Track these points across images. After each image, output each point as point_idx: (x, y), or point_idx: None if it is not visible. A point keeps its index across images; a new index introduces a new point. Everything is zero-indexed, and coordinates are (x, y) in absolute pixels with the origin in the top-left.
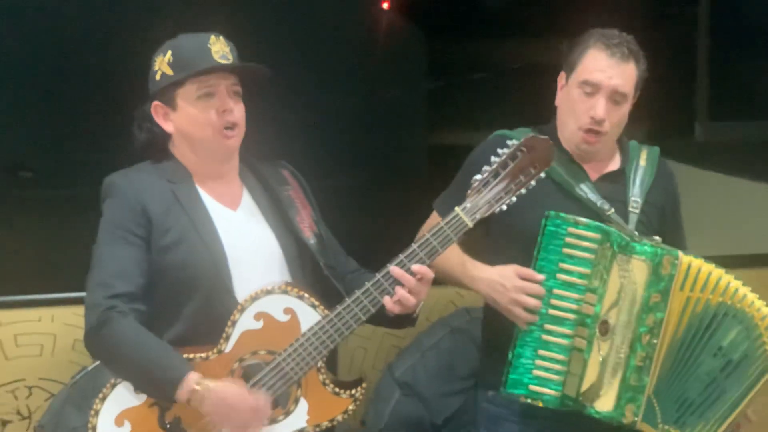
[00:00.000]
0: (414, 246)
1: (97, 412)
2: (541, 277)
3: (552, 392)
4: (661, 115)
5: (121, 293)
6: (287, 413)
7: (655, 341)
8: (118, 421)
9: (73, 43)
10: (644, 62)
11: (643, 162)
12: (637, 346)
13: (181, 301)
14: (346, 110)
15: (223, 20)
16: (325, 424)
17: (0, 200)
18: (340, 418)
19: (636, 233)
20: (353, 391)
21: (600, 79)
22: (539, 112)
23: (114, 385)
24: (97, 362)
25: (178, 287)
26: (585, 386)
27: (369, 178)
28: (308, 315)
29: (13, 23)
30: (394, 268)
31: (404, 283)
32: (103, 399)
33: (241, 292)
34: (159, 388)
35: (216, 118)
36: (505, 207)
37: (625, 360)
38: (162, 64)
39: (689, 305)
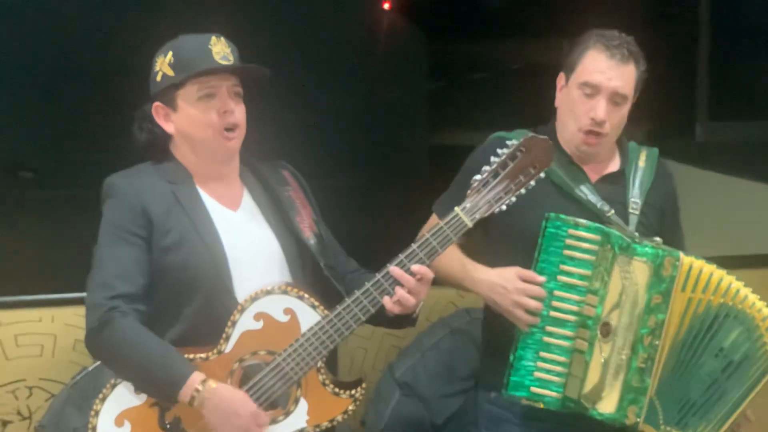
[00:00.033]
0: (414, 246)
1: (97, 413)
2: (542, 279)
3: (553, 394)
4: (661, 116)
5: (122, 294)
6: (287, 413)
7: (656, 342)
8: (118, 422)
9: (73, 43)
10: (644, 63)
11: (642, 163)
12: (639, 347)
13: (182, 302)
14: (346, 110)
15: (224, 20)
16: (325, 424)
17: (0, 200)
18: (340, 418)
19: (636, 234)
20: (353, 392)
21: (600, 81)
22: (539, 112)
23: (114, 386)
24: (98, 362)
25: (179, 288)
26: (587, 388)
27: (369, 178)
28: (308, 315)
29: (14, 23)
30: (393, 269)
31: (404, 283)
32: (103, 399)
33: (241, 293)
34: (161, 389)
35: (217, 119)
36: (504, 207)
37: (626, 361)
38: (163, 64)
39: (691, 306)
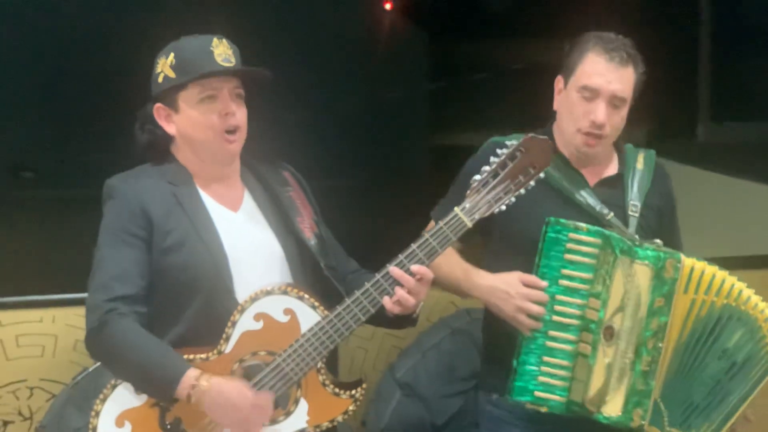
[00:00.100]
0: (413, 246)
1: (97, 413)
2: (544, 283)
3: (558, 398)
4: (662, 116)
5: (121, 296)
6: (287, 414)
7: (660, 345)
8: (119, 422)
9: (74, 43)
10: (642, 65)
11: (640, 165)
12: (643, 350)
13: (182, 303)
14: (347, 110)
15: (224, 20)
16: (326, 424)
17: (1, 200)
18: (340, 418)
19: (636, 237)
20: (353, 392)
21: (599, 84)
22: (540, 112)
23: (114, 386)
24: (98, 363)
25: (179, 288)
26: (591, 392)
27: (369, 179)
28: (308, 316)
29: (14, 23)
30: (393, 269)
31: (404, 283)
32: (104, 400)
33: (241, 293)
34: (159, 388)
35: (218, 121)
36: (504, 207)
37: (630, 365)
38: (164, 66)
39: (693, 308)
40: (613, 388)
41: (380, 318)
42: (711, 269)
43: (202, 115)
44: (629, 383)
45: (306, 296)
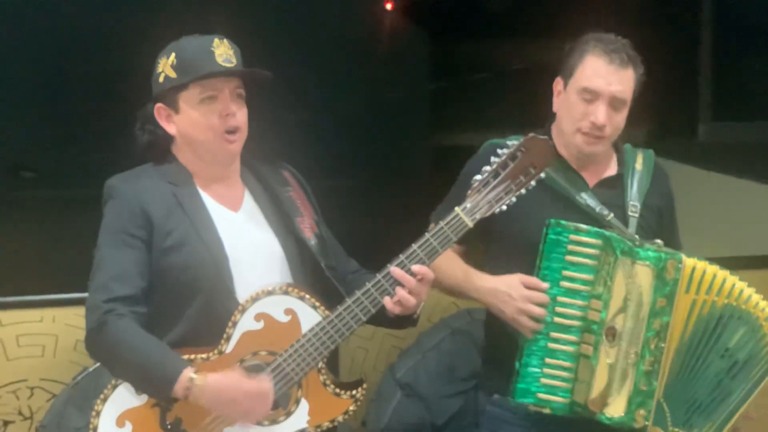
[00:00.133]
0: (414, 246)
1: (98, 413)
2: (545, 285)
3: (561, 399)
4: (664, 116)
5: (120, 296)
6: (288, 414)
7: (662, 345)
8: (120, 422)
9: (74, 43)
10: (641, 66)
11: (639, 166)
12: (645, 351)
13: (183, 303)
14: (347, 110)
15: (225, 20)
16: (326, 424)
17: (1, 200)
18: (340, 418)
19: (637, 237)
20: (354, 392)
21: (600, 86)
22: (540, 112)
23: (115, 386)
24: (98, 363)
25: (180, 289)
26: (594, 393)
27: (370, 179)
28: (309, 316)
29: (15, 24)
30: (394, 269)
31: (405, 283)
32: (105, 400)
33: (242, 293)
34: (156, 387)
35: (218, 122)
36: (505, 207)
37: (633, 365)
38: (165, 66)
39: (695, 308)
40: (616, 388)
41: (381, 318)
42: (712, 269)
43: (203, 116)
44: (632, 384)
45: (307, 296)
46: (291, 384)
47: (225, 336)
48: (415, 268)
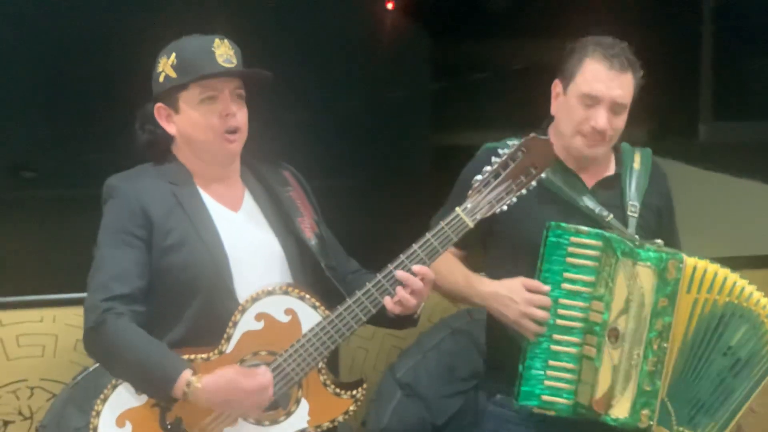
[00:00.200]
0: (414, 246)
1: (98, 413)
2: (547, 288)
3: (564, 401)
4: (664, 115)
5: (119, 295)
6: (288, 414)
7: (665, 345)
8: (119, 422)
9: (74, 43)
10: (640, 70)
11: (637, 165)
12: (648, 351)
13: (183, 303)
14: (348, 110)
15: (225, 20)
16: (326, 424)
17: (2, 200)
18: (340, 418)
19: (637, 238)
20: (354, 392)
21: (601, 92)
22: (541, 112)
23: (115, 386)
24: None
25: (180, 288)
26: (598, 394)
27: (370, 179)
28: (309, 316)
29: (15, 23)
30: (398, 271)
31: (408, 284)
32: (104, 400)
33: (242, 293)
34: (155, 387)
35: (218, 122)
36: (506, 207)
37: (636, 366)
38: (166, 66)
39: (697, 307)
40: (620, 389)
41: (381, 318)
42: (713, 268)
43: (203, 116)
44: (636, 384)
45: (307, 296)
46: (291, 384)
47: (225, 336)
48: (416, 268)
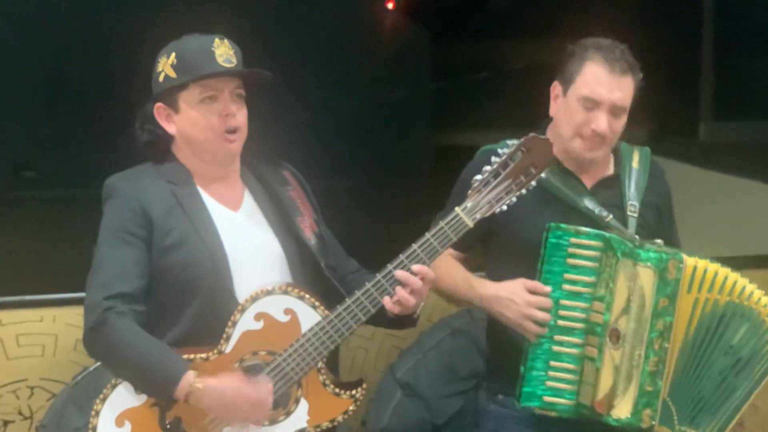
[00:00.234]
0: (414, 246)
1: (97, 413)
2: (548, 289)
3: (566, 402)
4: (665, 115)
5: (120, 294)
6: (288, 414)
7: (666, 345)
8: (119, 422)
9: (74, 43)
10: (640, 72)
11: (635, 164)
12: (649, 351)
13: (182, 302)
14: (348, 110)
15: (225, 19)
16: (326, 424)
17: (2, 200)
18: (340, 418)
19: (637, 237)
20: (353, 392)
21: (602, 95)
22: (542, 112)
23: (114, 386)
24: (99, 362)
25: (179, 288)
26: (600, 394)
27: (371, 179)
28: (309, 315)
29: (15, 23)
30: (398, 271)
31: (408, 284)
32: (104, 399)
33: (241, 293)
34: (157, 387)
35: (218, 122)
36: (505, 207)
37: (638, 366)
38: (165, 66)
39: (698, 306)
40: (622, 390)
41: (381, 318)
42: (713, 267)
43: (202, 116)
44: (637, 384)
45: (306, 296)
46: (290, 384)
47: (224, 336)
48: (416, 267)
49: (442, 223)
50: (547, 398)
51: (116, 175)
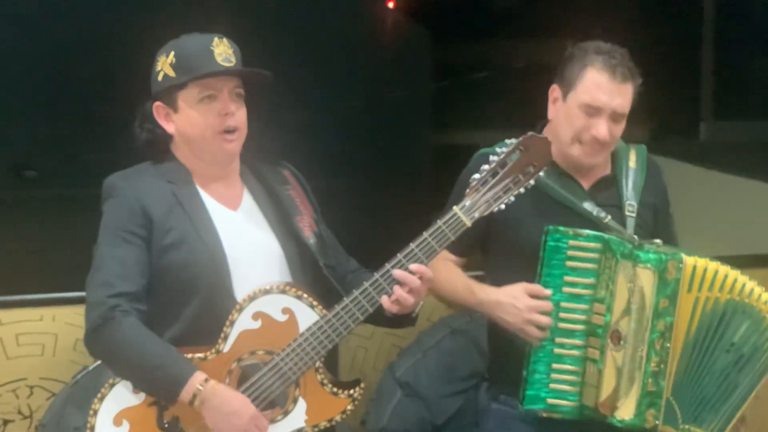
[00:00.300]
0: (412, 245)
1: (95, 412)
2: (548, 291)
3: (570, 403)
4: (665, 115)
5: (123, 293)
6: (285, 413)
7: (668, 345)
8: (117, 421)
9: (75, 43)
10: (639, 77)
11: (632, 164)
12: (651, 352)
13: (181, 302)
14: (349, 110)
15: (225, 19)
16: (324, 424)
17: (2, 200)
18: (338, 418)
19: (636, 238)
20: (351, 392)
21: (603, 102)
22: (542, 112)
23: (112, 385)
24: (99, 362)
25: (178, 287)
26: (603, 396)
27: (371, 178)
28: (306, 315)
29: (15, 23)
30: (396, 270)
31: (407, 283)
32: (102, 399)
33: (240, 293)
34: (162, 388)
35: (216, 121)
36: (503, 206)
37: (640, 367)
38: (164, 65)
39: (698, 306)
40: (625, 391)
41: (379, 317)
42: (713, 266)
43: (201, 115)
44: (640, 385)
45: (304, 295)
46: (288, 383)
47: (222, 335)
48: (414, 267)
49: (439, 222)
50: (550, 400)
51: (115, 174)
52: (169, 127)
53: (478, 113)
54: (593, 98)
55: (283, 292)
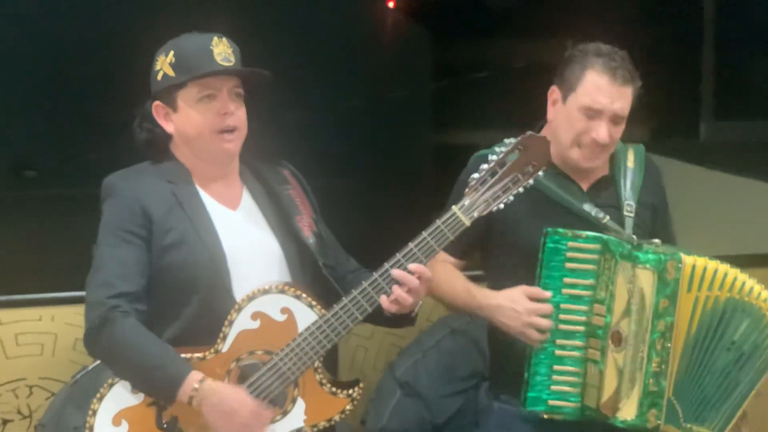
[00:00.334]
0: (411, 245)
1: (94, 412)
2: (548, 294)
3: (571, 404)
4: (666, 115)
5: (123, 293)
6: (284, 413)
7: (668, 345)
8: (116, 421)
9: (75, 43)
10: (639, 80)
11: (631, 163)
12: (652, 352)
13: (180, 301)
14: (349, 109)
15: (225, 19)
16: (323, 424)
17: (2, 200)
18: (337, 418)
19: (635, 238)
20: (350, 391)
21: (604, 105)
22: (542, 112)
23: (111, 385)
24: (98, 362)
25: (178, 287)
26: (605, 396)
27: (372, 178)
28: (305, 314)
29: (15, 23)
30: (395, 270)
31: (406, 283)
32: (101, 399)
33: (240, 292)
34: (160, 388)
35: (216, 121)
36: (502, 205)
37: (641, 367)
38: (164, 64)
39: (698, 305)
40: (626, 391)
41: (379, 317)
42: (712, 265)
43: (201, 115)
44: (641, 385)
45: (303, 295)
46: (287, 383)
47: (221, 335)
48: (413, 267)
49: (438, 222)
50: (552, 402)
51: (115, 174)
52: (169, 127)
53: (478, 113)
54: (593, 101)
55: (282, 291)
